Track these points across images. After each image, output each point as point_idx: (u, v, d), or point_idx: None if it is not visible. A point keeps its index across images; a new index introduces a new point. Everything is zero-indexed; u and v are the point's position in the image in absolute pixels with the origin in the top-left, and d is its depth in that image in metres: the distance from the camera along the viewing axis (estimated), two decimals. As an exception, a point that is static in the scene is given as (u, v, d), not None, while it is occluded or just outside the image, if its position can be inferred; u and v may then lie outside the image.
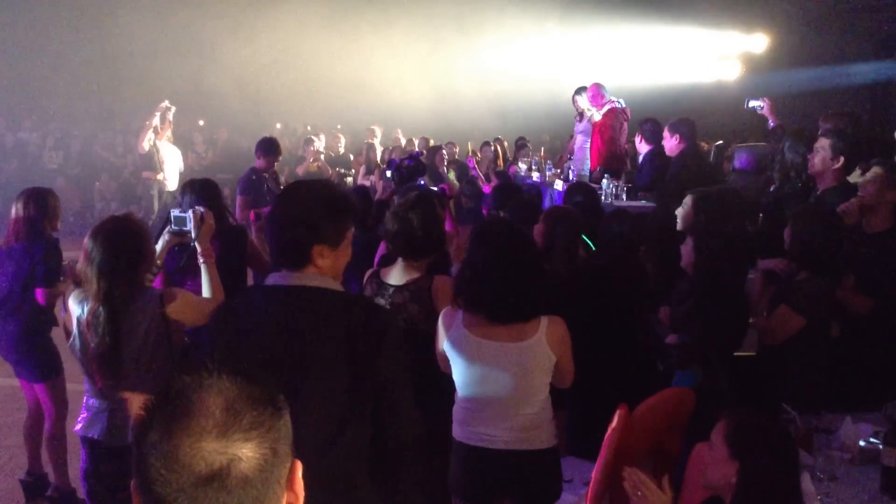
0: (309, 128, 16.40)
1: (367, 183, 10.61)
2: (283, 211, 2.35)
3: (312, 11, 15.57)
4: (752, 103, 6.53)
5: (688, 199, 4.63)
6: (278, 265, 2.36)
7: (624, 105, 8.54)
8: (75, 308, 3.33)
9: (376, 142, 13.74)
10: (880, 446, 3.05)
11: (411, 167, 6.45)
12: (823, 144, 4.66)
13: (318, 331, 2.24)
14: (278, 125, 17.61)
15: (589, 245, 4.79)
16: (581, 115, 8.93)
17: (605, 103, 8.49)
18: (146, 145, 11.71)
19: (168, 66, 15.64)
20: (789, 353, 3.78)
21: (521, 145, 12.29)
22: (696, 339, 3.77)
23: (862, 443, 3.23)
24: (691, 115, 7.34)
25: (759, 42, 14.15)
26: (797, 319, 3.75)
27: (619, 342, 4.22)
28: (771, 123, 6.31)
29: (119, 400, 3.29)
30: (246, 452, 1.16)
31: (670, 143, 6.77)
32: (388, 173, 6.23)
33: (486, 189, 9.96)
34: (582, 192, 5.50)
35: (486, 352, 3.04)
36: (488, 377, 3.06)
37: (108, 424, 3.31)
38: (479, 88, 15.98)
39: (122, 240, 3.29)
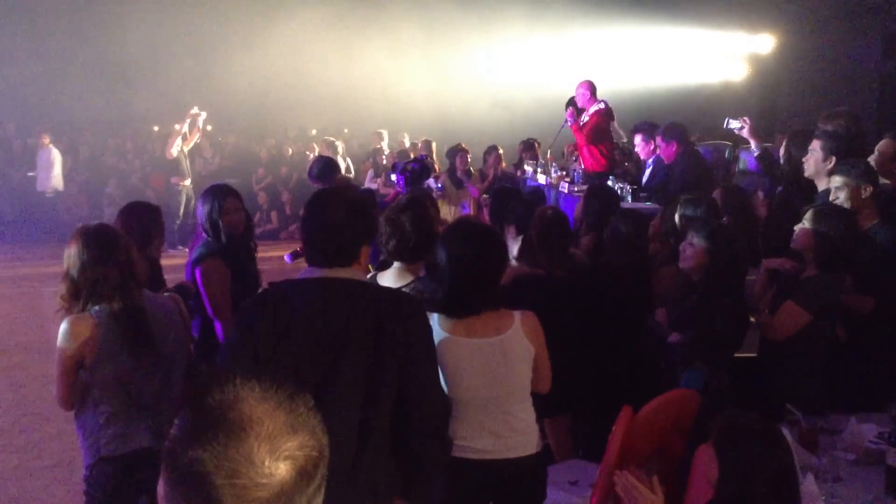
0: (314, 132, 16.45)
1: (374, 186, 10.65)
2: (333, 217, 2.58)
3: (320, 17, 15.61)
4: (732, 124, 6.20)
5: (716, 195, 4.83)
6: (324, 264, 2.56)
7: (608, 105, 8.47)
8: (84, 330, 3.18)
9: (384, 145, 13.79)
10: (885, 447, 3.05)
11: (416, 170, 6.48)
12: (815, 146, 4.69)
13: (354, 315, 2.49)
14: (289, 132, 17.62)
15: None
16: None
17: (594, 103, 8.43)
18: (174, 151, 11.77)
19: (176, 71, 15.72)
20: (793, 353, 3.78)
21: (527, 146, 12.01)
22: (702, 336, 3.76)
23: (867, 443, 3.23)
24: (697, 115, 7.39)
25: (765, 42, 14.12)
26: (803, 315, 3.76)
27: (625, 343, 4.23)
28: (754, 147, 6.10)
29: (160, 403, 3.29)
30: (305, 452, 1.20)
31: (667, 149, 6.82)
32: (393, 177, 6.26)
33: (474, 193, 9.96)
34: (603, 195, 5.52)
35: (468, 351, 3.02)
36: (473, 377, 3.03)
37: (151, 430, 3.28)
38: (486, 91, 16.00)
39: (119, 241, 3.31)
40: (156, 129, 16.74)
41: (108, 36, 15.88)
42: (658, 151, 7.26)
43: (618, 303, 4.24)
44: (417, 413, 2.52)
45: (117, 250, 3.24)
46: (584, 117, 8.44)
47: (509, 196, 5.29)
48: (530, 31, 15.64)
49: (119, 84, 15.80)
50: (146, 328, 3.26)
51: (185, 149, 12.09)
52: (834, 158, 4.57)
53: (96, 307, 3.19)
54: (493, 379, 3.04)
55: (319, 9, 15.65)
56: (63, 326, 3.20)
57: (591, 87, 8.50)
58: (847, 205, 4.18)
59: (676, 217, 4.60)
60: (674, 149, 6.83)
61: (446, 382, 3.06)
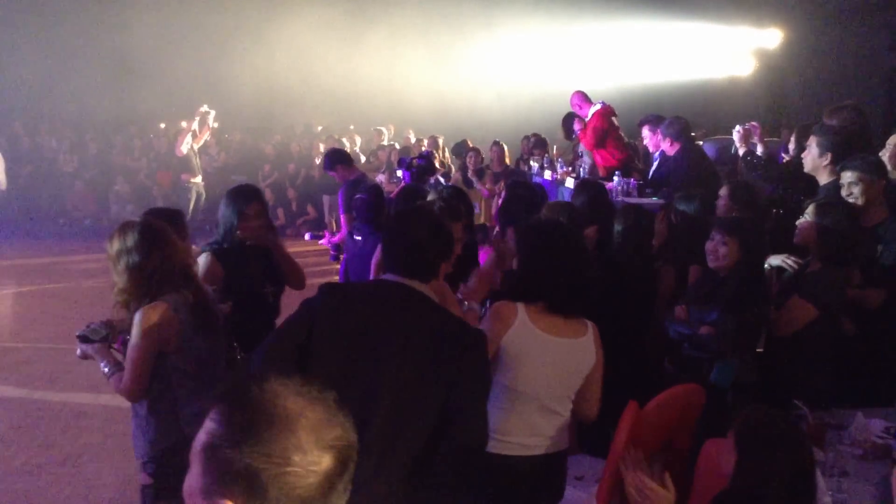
0: (320, 128, 16.49)
1: (380, 180, 10.67)
2: (415, 237, 2.70)
3: (325, 14, 15.63)
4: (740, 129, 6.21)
5: (724, 191, 4.79)
6: (403, 274, 2.67)
7: (605, 104, 8.67)
8: (163, 318, 3.19)
9: (384, 141, 13.85)
10: (892, 442, 3.04)
11: (422, 166, 6.49)
12: (811, 142, 4.69)
13: (414, 327, 2.57)
14: (295, 128, 17.64)
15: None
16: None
17: (590, 106, 8.66)
18: (184, 149, 11.85)
19: (182, 68, 15.74)
20: (799, 347, 3.78)
21: (538, 142, 11.92)
22: (737, 328, 3.76)
23: (874, 438, 3.22)
24: (704, 111, 7.33)
25: (772, 37, 14.07)
26: (810, 310, 3.76)
27: (630, 338, 4.22)
28: (737, 145, 6.02)
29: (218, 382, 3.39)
30: (343, 442, 1.30)
31: (664, 145, 6.82)
32: (399, 173, 6.27)
33: (485, 193, 10.01)
34: (590, 189, 5.49)
35: (547, 346, 3.05)
36: (543, 372, 3.05)
37: None
38: (491, 85, 15.99)
39: (169, 231, 3.36)
40: (162, 126, 16.79)
41: (115, 33, 15.91)
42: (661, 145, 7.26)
43: (622, 298, 4.23)
44: (460, 436, 2.58)
45: (172, 238, 3.30)
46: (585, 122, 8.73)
47: (517, 197, 5.23)
48: (535, 25, 15.62)
49: (125, 81, 15.83)
50: (213, 311, 3.38)
51: (196, 146, 12.16)
52: (830, 154, 4.57)
53: (166, 295, 3.21)
54: (559, 378, 3.08)
55: (324, 6, 15.67)
56: (139, 318, 3.17)
57: (583, 95, 8.84)
58: (861, 199, 4.17)
59: (672, 215, 4.60)
60: (668, 144, 6.83)
61: (512, 373, 3.05)
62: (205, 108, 11.65)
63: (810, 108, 10.57)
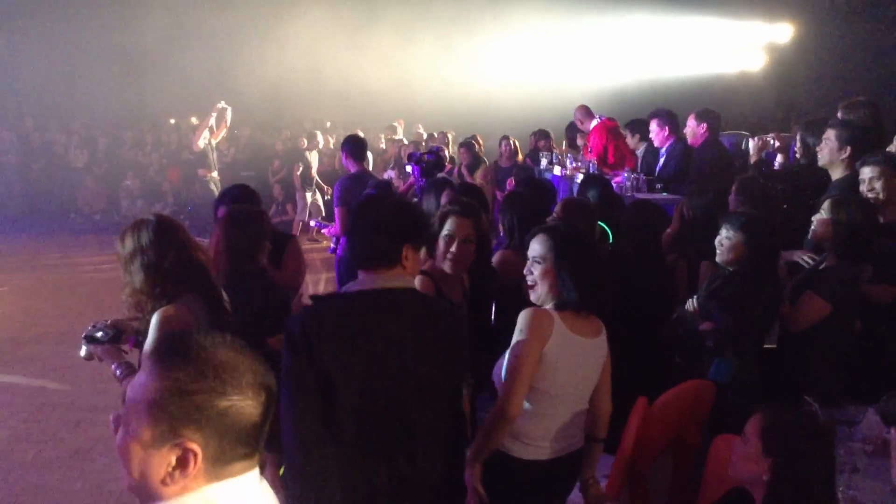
0: (329, 124, 16.51)
1: (391, 175, 10.67)
2: (376, 218, 2.71)
3: (335, 11, 15.64)
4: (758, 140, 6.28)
5: (733, 186, 4.79)
6: (369, 265, 2.66)
7: (604, 118, 8.93)
8: (184, 321, 3.04)
9: (397, 135, 13.87)
10: (903, 438, 3.02)
11: (431, 162, 6.48)
12: (829, 136, 4.65)
13: (412, 328, 2.64)
14: (304, 124, 17.68)
15: (607, 235, 4.77)
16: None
17: (591, 120, 8.89)
18: (201, 143, 11.93)
19: (192, 64, 15.78)
20: (812, 344, 3.76)
21: (540, 137, 11.70)
22: (736, 325, 3.75)
23: (884, 434, 3.20)
24: (714, 106, 7.29)
25: (783, 31, 14.00)
26: (823, 306, 3.75)
27: (639, 334, 4.20)
28: (751, 150, 6.11)
29: None
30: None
31: (697, 132, 6.75)
32: (408, 168, 6.26)
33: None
34: (596, 184, 5.49)
35: (581, 349, 3.06)
36: (573, 373, 3.06)
37: None
38: (499, 80, 15.96)
39: (182, 227, 3.28)
40: (172, 122, 16.82)
41: (125, 30, 15.97)
42: (684, 131, 7.22)
43: (631, 294, 4.21)
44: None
45: (187, 235, 3.20)
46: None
47: (516, 196, 5.21)
48: (544, 19, 15.58)
49: (135, 78, 15.89)
50: (227, 310, 3.27)
51: (213, 142, 12.24)
52: (849, 148, 4.54)
53: (183, 295, 3.09)
54: (587, 378, 3.11)
55: (333, 2, 15.67)
56: (157, 319, 3.03)
57: (585, 110, 9.14)
58: (882, 195, 4.15)
59: (684, 208, 4.58)
60: (703, 131, 6.78)
61: (549, 377, 3.03)
62: (222, 104, 11.72)
63: (821, 103, 10.50)
